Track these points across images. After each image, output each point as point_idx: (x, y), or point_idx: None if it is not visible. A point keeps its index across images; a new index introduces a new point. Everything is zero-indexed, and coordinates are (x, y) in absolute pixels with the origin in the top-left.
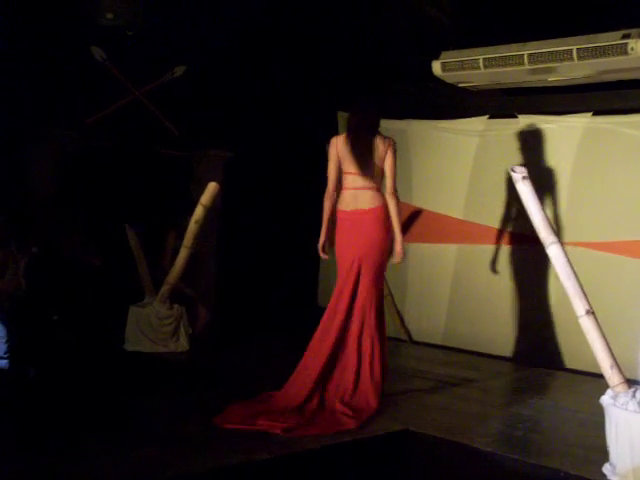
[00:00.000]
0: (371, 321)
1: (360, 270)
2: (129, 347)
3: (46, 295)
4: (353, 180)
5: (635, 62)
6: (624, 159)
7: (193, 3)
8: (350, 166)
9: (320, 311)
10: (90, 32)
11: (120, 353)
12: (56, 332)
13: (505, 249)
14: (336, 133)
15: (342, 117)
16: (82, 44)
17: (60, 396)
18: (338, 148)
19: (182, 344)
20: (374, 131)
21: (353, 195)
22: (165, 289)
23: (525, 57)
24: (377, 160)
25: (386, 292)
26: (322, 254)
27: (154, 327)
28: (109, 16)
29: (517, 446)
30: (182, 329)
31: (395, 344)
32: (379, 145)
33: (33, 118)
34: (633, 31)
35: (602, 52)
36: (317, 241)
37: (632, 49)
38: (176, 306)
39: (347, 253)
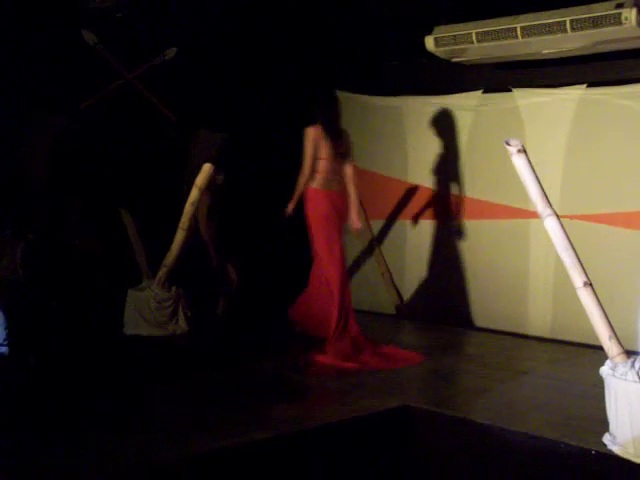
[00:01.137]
0: None
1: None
2: (128, 331)
3: (44, 281)
4: (326, 165)
5: (629, 32)
6: (619, 130)
7: None
8: (324, 153)
9: None
10: (80, 15)
11: (119, 337)
12: (55, 318)
13: (502, 223)
14: None
15: (340, 96)
16: (72, 28)
17: (60, 382)
18: (315, 137)
19: (181, 326)
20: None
21: (326, 178)
22: (163, 272)
23: (518, 30)
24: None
25: (384, 269)
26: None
27: (153, 310)
28: None
29: (516, 419)
30: (181, 311)
31: (393, 320)
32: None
33: (25, 104)
34: (626, 0)
35: (596, 23)
36: None
37: (626, 19)
38: (174, 288)
39: (332, 218)
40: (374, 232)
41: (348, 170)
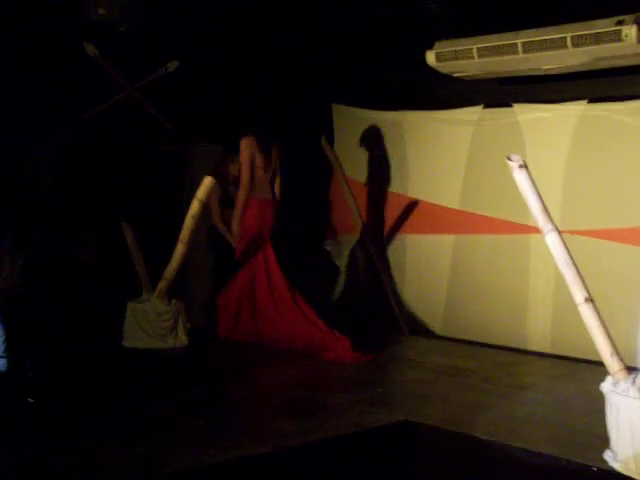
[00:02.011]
0: None
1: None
2: (128, 343)
3: (44, 293)
4: (259, 173)
5: (629, 49)
6: (619, 146)
7: None
8: (258, 162)
9: None
10: (82, 28)
11: (119, 349)
12: (54, 330)
13: (502, 238)
14: (331, 124)
15: (337, 109)
16: (74, 40)
17: (59, 394)
18: (250, 147)
19: (181, 339)
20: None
21: (258, 186)
22: (162, 285)
23: (519, 45)
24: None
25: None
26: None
27: (152, 323)
28: (101, 12)
29: (517, 434)
30: (180, 324)
31: (393, 335)
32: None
33: (27, 115)
34: (627, 17)
35: (597, 39)
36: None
37: (626, 35)
38: (174, 301)
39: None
40: (372, 247)
41: (277, 179)
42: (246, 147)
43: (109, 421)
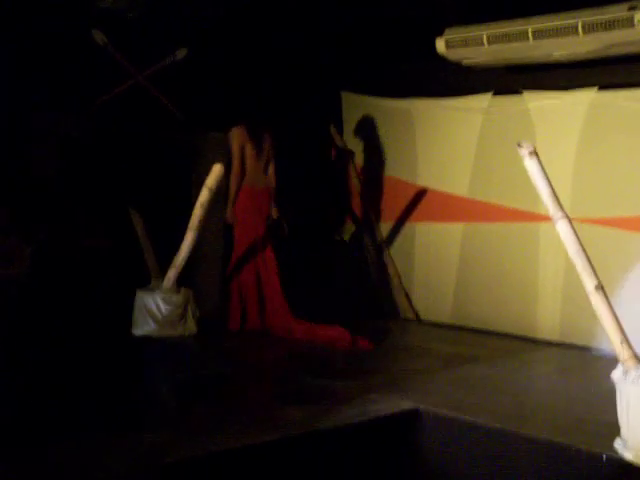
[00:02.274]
0: None
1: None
2: (137, 332)
3: (53, 282)
4: (251, 163)
5: None
6: (630, 133)
7: None
8: (249, 152)
9: None
10: (91, 15)
11: (128, 337)
12: (58, 323)
13: (512, 226)
14: (340, 113)
15: (346, 97)
16: (83, 28)
17: (67, 382)
18: (241, 137)
19: (190, 327)
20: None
21: (250, 176)
22: (172, 272)
23: (529, 32)
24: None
25: (393, 272)
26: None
27: (162, 311)
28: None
29: (526, 423)
30: (189, 312)
31: (403, 323)
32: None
33: (36, 103)
34: (639, 3)
35: (608, 25)
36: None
37: (639, 21)
38: (183, 289)
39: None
40: (383, 235)
41: (271, 168)
42: (236, 137)
43: (118, 408)
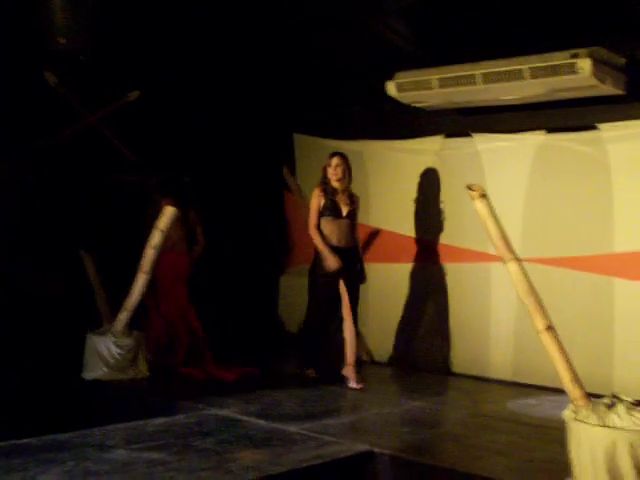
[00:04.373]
0: None
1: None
2: (88, 375)
3: (4, 328)
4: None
5: (584, 81)
6: (577, 175)
7: (146, 29)
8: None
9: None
10: (44, 56)
11: (79, 381)
12: (14, 364)
13: (464, 267)
14: (292, 154)
15: (298, 139)
16: (35, 69)
17: (16, 425)
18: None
19: (141, 370)
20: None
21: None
22: (123, 315)
23: (478, 76)
24: None
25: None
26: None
27: (113, 354)
28: (62, 41)
29: (480, 463)
30: (141, 355)
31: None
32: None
33: None
34: (581, 51)
35: (553, 71)
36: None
37: (581, 68)
38: (135, 332)
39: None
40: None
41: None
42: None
43: (66, 454)
